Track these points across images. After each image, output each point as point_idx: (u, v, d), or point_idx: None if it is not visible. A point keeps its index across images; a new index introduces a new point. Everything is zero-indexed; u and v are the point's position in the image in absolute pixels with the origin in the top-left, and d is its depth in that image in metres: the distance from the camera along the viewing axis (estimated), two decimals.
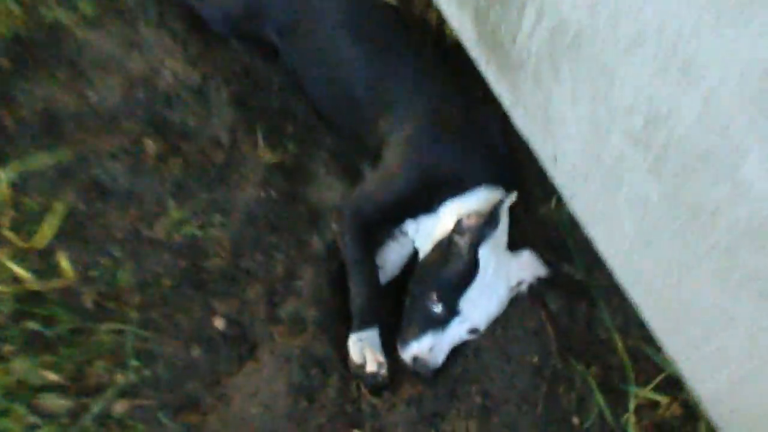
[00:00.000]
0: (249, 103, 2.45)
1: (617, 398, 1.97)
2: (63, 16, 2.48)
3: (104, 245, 2.11)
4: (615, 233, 1.79)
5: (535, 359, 1.99)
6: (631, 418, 1.89)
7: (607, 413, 1.93)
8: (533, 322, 2.03)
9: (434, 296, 1.96)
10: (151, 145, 2.26)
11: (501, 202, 1.96)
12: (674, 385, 1.95)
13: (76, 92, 2.37)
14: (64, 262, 1.99)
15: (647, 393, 1.92)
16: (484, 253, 1.97)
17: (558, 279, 2.12)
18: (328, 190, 2.34)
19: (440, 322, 1.96)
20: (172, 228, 2.14)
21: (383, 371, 1.99)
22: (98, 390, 1.87)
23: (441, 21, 2.53)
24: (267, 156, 2.31)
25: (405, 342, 1.99)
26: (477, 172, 2.09)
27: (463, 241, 1.98)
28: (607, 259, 1.95)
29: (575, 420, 1.96)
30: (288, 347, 1.98)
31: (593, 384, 1.96)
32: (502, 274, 2.01)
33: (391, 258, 2.21)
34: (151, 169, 2.22)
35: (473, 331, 2.01)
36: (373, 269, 2.11)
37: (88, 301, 2.02)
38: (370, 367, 2.00)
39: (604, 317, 2.07)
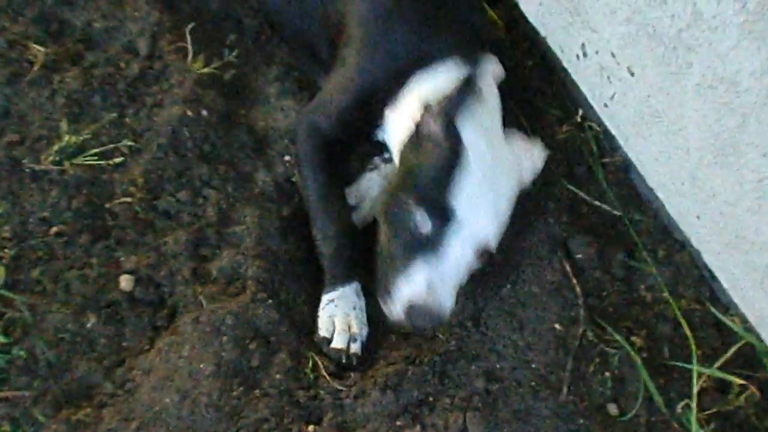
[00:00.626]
0: (177, 4, 1.88)
1: (670, 379, 1.44)
2: None
3: None
4: (676, 142, 1.25)
5: (557, 326, 1.46)
6: (692, 405, 1.36)
7: (658, 399, 1.40)
8: (553, 276, 1.50)
9: (412, 203, 1.31)
10: (39, 52, 1.70)
11: (476, 72, 1.39)
12: (750, 362, 1.42)
13: None
14: None
15: (714, 372, 1.39)
16: (470, 134, 1.36)
17: (585, 218, 1.58)
18: (278, 113, 1.79)
19: (432, 242, 1.29)
20: (65, 157, 1.59)
21: (356, 346, 1.47)
22: None
23: None
24: (198, 67, 1.75)
25: (388, 287, 1.33)
26: (445, 44, 1.50)
27: (435, 122, 1.37)
28: (657, 188, 1.41)
29: (612, 409, 1.43)
30: (219, 313, 1.44)
31: (637, 359, 1.43)
32: (502, 162, 1.39)
33: (372, 194, 1.66)
34: (37, 80, 1.66)
35: (483, 252, 1.34)
36: (342, 206, 1.57)
37: None
38: (337, 342, 1.46)
39: (649, 270, 1.53)
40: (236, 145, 1.70)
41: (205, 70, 1.76)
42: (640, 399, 1.41)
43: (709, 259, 1.40)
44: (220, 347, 1.41)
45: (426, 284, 1.28)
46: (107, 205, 1.57)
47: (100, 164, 1.60)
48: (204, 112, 1.68)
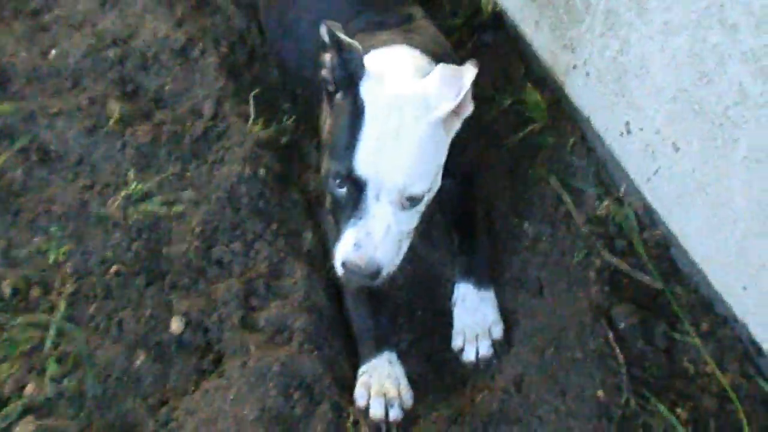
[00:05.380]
0: (241, 73, 2.02)
1: None
2: None
3: (39, 220, 1.64)
4: (722, 214, 1.30)
5: (600, 393, 1.45)
6: None
7: None
8: (596, 343, 1.51)
9: (329, 174, 1.41)
10: (114, 108, 1.82)
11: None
12: None
13: (36, 47, 1.96)
14: None
15: None
16: (368, 94, 1.41)
17: (626, 289, 1.60)
18: None
19: (352, 205, 1.39)
20: (129, 203, 1.67)
21: (394, 412, 1.47)
22: None
23: None
24: (257, 129, 1.86)
25: (331, 253, 1.45)
26: None
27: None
28: (701, 261, 1.45)
29: None
30: (265, 360, 1.46)
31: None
32: (404, 107, 1.40)
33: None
34: (111, 133, 1.78)
35: (411, 198, 1.40)
36: None
37: (5, 286, 1.52)
38: (375, 409, 1.47)
39: (692, 342, 1.54)
40: (288, 204, 1.78)
41: (264, 133, 1.86)
42: None
43: (755, 330, 1.41)
44: (265, 393, 1.42)
45: (353, 243, 1.36)
46: (164, 251, 1.63)
47: (159, 211, 1.68)
48: (261, 171, 1.77)
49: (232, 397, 1.42)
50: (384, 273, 1.39)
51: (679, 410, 1.45)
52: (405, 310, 1.72)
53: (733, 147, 1.27)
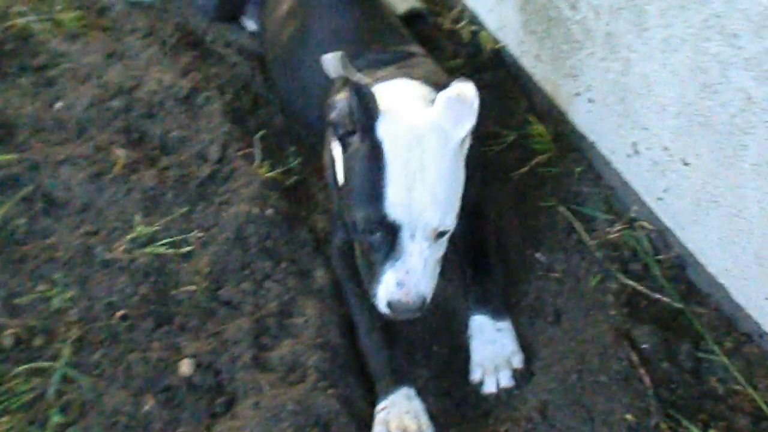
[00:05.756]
0: (246, 119, 2.03)
1: None
2: (36, 24, 2.15)
3: (42, 267, 1.62)
4: (737, 224, 1.29)
5: (629, 417, 1.40)
6: None
7: None
8: (620, 366, 1.46)
9: (359, 223, 1.42)
10: (120, 154, 1.83)
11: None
12: None
13: (40, 100, 1.98)
14: None
15: None
16: (386, 136, 1.41)
17: (645, 310, 1.57)
18: None
19: (389, 247, 1.41)
20: (136, 246, 1.65)
21: None
22: None
23: (474, 32, 2.17)
24: (264, 171, 1.85)
25: (372, 294, 1.46)
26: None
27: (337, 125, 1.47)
28: (719, 274, 1.42)
29: None
30: (280, 399, 1.41)
31: None
32: (424, 143, 1.41)
33: None
34: (116, 179, 1.77)
35: (441, 233, 1.43)
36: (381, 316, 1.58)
37: (6, 336, 1.49)
38: None
39: (719, 360, 1.50)
40: (297, 243, 1.75)
41: (270, 174, 1.86)
42: None
43: None
44: None
45: (396, 284, 1.40)
46: (172, 293, 1.60)
47: (168, 254, 1.66)
48: (268, 211, 1.75)
49: None
50: (427, 302, 1.42)
51: (711, 431, 1.40)
52: (421, 346, 1.67)
53: (742, 154, 1.27)
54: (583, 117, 1.72)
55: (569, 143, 1.88)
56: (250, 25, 2.28)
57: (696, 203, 1.44)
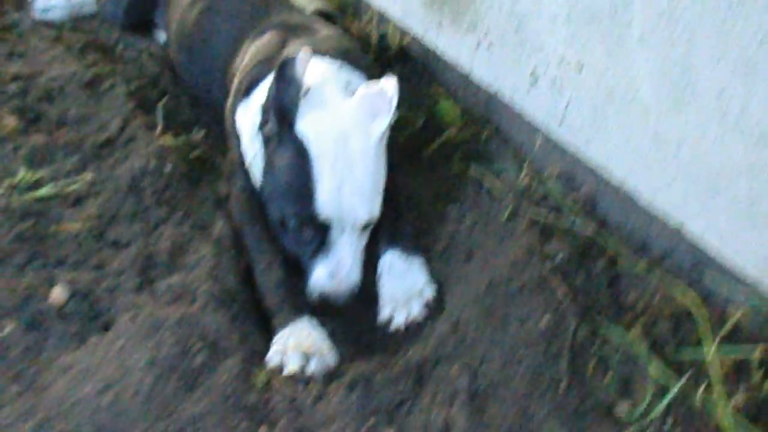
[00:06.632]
0: (152, 107, 1.98)
1: (680, 369, 1.24)
2: None
3: None
4: (633, 111, 1.29)
5: (545, 322, 1.30)
6: (718, 390, 1.16)
7: (672, 388, 1.19)
8: (533, 274, 1.37)
9: (289, 221, 1.43)
10: (10, 122, 1.74)
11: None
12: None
13: None
14: None
15: (732, 350, 1.21)
16: (311, 131, 1.43)
17: (557, 237, 1.51)
18: None
19: (318, 243, 1.43)
20: (18, 190, 1.52)
21: (314, 363, 1.26)
22: None
23: (382, 34, 2.24)
24: (166, 140, 1.79)
25: (303, 284, 1.46)
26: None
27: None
28: (627, 174, 1.40)
29: (622, 408, 1.20)
30: (162, 315, 1.26)
31: (642, 350, 1.25)
32: (350, 138, 1.43)
33: None
34: (3, 140, 1.68)
35: (367, 225, 1.45)
36: (275, 246, 1.50)
37: None
38: (291, 362, 1.26)
39: (636, 274, 1.42)
40: (197, 199, 1.66)
41: (173, 143, 1.79)
42: (650, 391, 1.20)
43: (694, 227, 1.31)
44: (159, 343, 1.21)
45: (328, 276, 1.42)
46: (52, 231, 1.46)
47: (53, 201, 1.53)
48: (167, 167, 1.67)
49: (117, 348, 1.19)
50: (356, 290, 1.45)
51: (633, 330, 1.30)
52: None
53: (627, 33, 1.29)
54: (485, 69, 1.76)
55: (476, 111, 1.90)
56: (161, 36, 2.31)
57: (594, 107, 1.44)
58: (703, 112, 1.19)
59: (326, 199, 1.38)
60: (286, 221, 1.43)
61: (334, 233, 1.41)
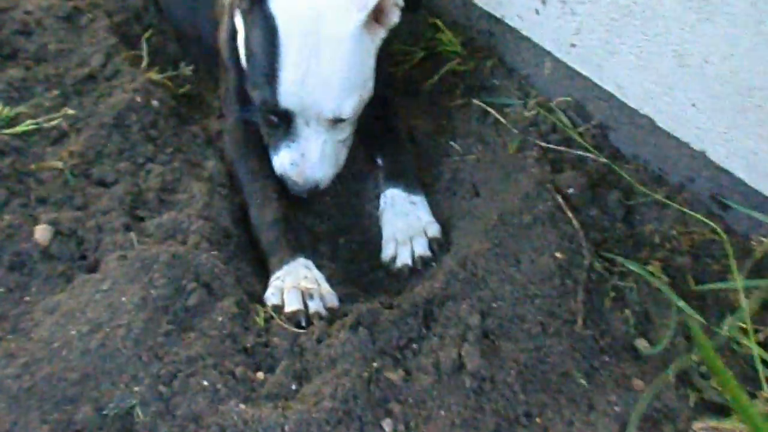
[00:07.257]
0: (136, 42, 1.86)
1: (705, 306, 1.18)
2: None
3: None
4: (653, 35, 1.18)
5: (558, 255, 1.23)
6: (747, 323, 1.09)
7: (695, 320, 1.13)
8: (545, 206, 1.30)
9: (258, 106, 1.37)
10: None
11: None
12: None
13: None
14: None
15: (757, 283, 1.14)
16: (281, 13, 1.31)
17: (569, 168, 1.43)
18: None
19: (283, 131, 1.38)
20: None
21: (314, 304, 1.19)
22: None
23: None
24: (152, 75, 1.68)
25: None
26: None
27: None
28: (642, 104, 1.31)
29: (642, 344, 1.15)
30: (152, 253, 1.18)
31: (662, 285, 1.19)
32: (322, 26, 1.30)
33: None
34: None
35: (335, 120, 1.35)
36: (276, 189, 1.41)
37: None
38: (291, 302, 1.19)
39: (651, 208, 1.35)
40: (186, 136, 1.57)
41: (160, 77, 1.68)
42: (674, 327, 1.14)
43: (717, 153, 1.23)
44: (149, 283, 1.13)
45: (290, 164, 1.38)
46: (32, 168, 1.37)
47: (33, 138, 1.44)
48: (154, 102, 1.57)
49: (106, 288, 1.12)
50: (321, 186, 1.40)
51: (652, 266, 1.23)
52: (326, 240, 1.48)
53: None
54: None
55: (479, 41, 1.80)
56: None
57: (609, 31, 1.34)
58: (734, 23, 1.09)
59: (287, 89, 1.30)
60: (256, 103, 1.38)
61: (299, 124, 1.35)
